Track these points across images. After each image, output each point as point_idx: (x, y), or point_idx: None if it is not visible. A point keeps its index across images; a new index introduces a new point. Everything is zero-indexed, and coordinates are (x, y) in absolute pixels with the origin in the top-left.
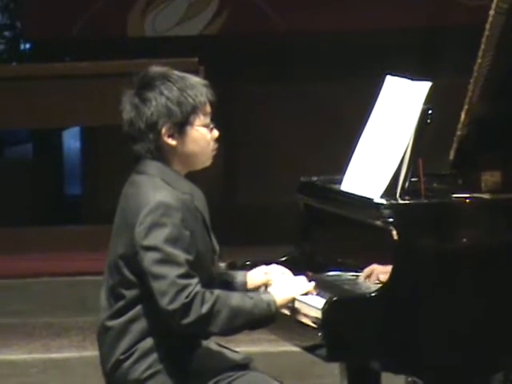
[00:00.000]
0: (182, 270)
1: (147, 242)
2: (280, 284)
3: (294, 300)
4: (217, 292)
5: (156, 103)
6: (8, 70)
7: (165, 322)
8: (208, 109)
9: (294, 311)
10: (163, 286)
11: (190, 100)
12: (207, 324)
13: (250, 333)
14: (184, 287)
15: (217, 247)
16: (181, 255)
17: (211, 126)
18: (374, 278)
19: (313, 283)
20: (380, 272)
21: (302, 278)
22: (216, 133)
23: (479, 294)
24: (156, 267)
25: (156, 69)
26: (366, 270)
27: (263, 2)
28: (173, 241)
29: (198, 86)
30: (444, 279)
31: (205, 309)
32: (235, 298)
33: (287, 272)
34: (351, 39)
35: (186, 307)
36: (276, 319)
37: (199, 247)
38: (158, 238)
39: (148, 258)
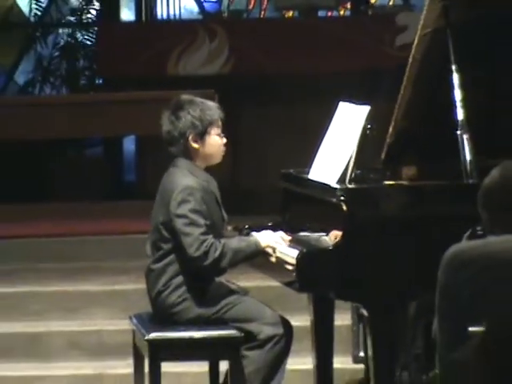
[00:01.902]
0: (202, 230)
1: (179, 211)
2: (264, 233)
3: (273, 248)
4: (222, 240)
5: (185, 120)
6: (87, 97)
7: (191, 265)
8: (220, 123)
9: (278, 259)
10: (190, 240)
11: (208, 117)
12: (220, 262)
13: (247, 272)
14: (204, 240)
15: (225, 216)
16: (201, 220)
17: (222, 135)
18: (333, 238)
19: (285, 236)
20: (338, 235)
21: (281, 232)
22: (224, 140)
23: (400, 245)
24: (185, 228)
25: (185, 96)
26: (332, 234)
27: (258, 53)
28: (195, 211)
29: (213, 108)
30: (377, 237)
31: (217, 253)
32: (234, 242)
33: (286, 237)
34: (318, 78)
35: (206, 253)
36: (260, 255)
37: (213, 217)
38: (185, 209)
39: (179, 222)
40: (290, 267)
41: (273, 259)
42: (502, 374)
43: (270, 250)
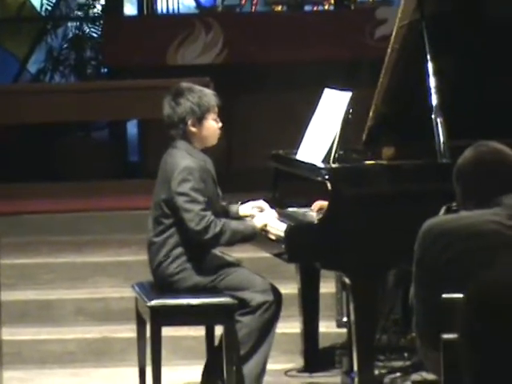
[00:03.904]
0: (201, 206)
1: (180, 189)
2: (258, 216)
3: (266, 225)
4: (223, 220)
5: (184, 105)
6: (94, 85)
7: (192, 239)
8: (216, 109)
9: (268, 232)
10: (191, 216)
11: (206, 104)
12: (219, 239)
13: (241, 245)
14: (204, 216)
15: (220, 193)
16: (200, 197)
17: (218, 120)
18: (316, 208)
19: (276, 214)
20: (322, 205)
21: (272, 211)
22: (220, 124)
23: (380, 219)
24: (186, 205)
25: (184, 84)
26: (315, 205)
27: (249, 44)
28: (195, 189)
29: (209, 95)
30: (359, 212)
31: (217, 229)
32: (234, 224)
33: (265, 204)
34: (305, 67)
35: (207, 228)
36: (256, 237)
37: (209, 193)
38: (186, 187)
39: (181, 199)
40: (279, 239)
41: (272, 237)
42: (478, 339)
43: (266, 229)
